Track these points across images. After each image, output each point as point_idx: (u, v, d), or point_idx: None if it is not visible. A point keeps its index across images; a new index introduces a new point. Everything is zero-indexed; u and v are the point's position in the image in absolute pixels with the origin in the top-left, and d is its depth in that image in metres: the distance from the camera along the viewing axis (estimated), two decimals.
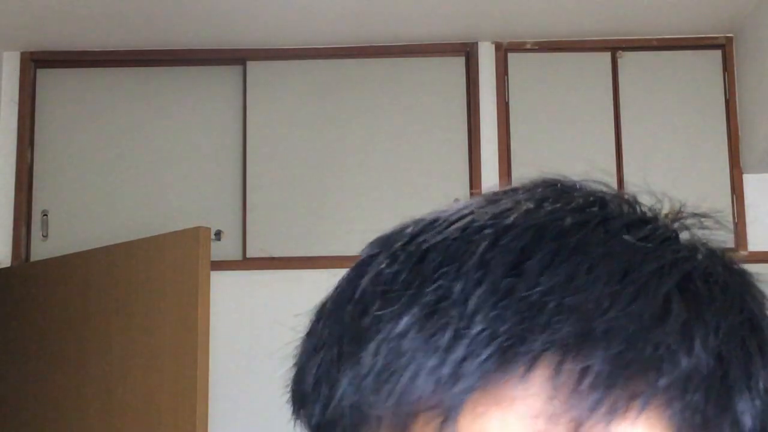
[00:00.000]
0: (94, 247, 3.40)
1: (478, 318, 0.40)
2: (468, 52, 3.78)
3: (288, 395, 0.49)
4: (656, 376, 0.40)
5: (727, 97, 3.73)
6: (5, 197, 3.73)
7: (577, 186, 0.47)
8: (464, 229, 0.44)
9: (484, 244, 0.43)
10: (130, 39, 3.70)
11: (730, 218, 3.64)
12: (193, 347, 3.01)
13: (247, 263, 3.65)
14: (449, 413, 0.40)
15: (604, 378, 0.39)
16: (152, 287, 3.16)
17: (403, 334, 0.41)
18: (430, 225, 0.46)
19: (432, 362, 0.40)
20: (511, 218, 0.44)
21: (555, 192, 0.46)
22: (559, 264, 0.42)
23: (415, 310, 0.42)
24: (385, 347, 0.42)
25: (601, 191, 0.47)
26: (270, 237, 3.67)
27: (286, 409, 0.49)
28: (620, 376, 0.39)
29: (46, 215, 3.73)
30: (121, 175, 3.75)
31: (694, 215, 0.46)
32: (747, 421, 0.41)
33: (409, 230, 0.46)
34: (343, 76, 3.78)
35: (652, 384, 0.40)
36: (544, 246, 0.42)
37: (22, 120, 3.78)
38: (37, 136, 3.80)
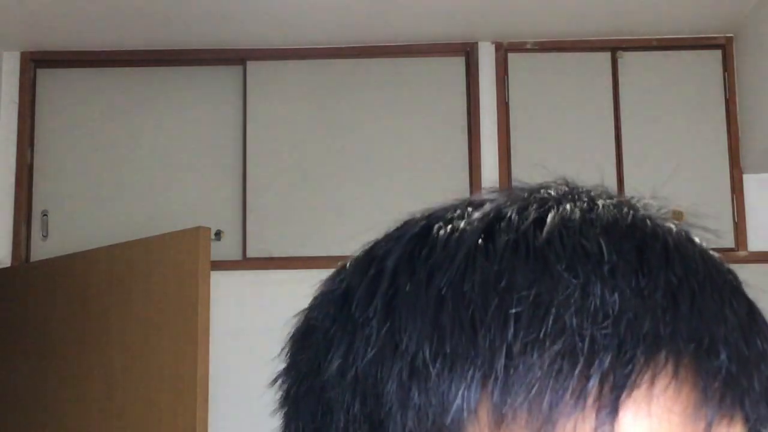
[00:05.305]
0: (94, 247, 3.40)
1: (623, 320, 0.39)
2: (468, 52, 3.78)
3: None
4: (758, 376, 0.41)
5: (727, 97, 3.72)
6: (5, 197, 3.73)
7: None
8: (564, 218, 0.42)
9: (602, 238, 0.41)
10: (130, 39, 3.70)
11: (730, 218, 3.64)
12: (193, 347, 3.01)
13: (247, 263, 3.65)
14: (607, 417, 0.38)
15: (732, 377, 0.40)
16: (152, 287, 3.16)
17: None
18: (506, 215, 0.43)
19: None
20: (578, 214, 0.42)
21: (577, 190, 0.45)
22: (670, 267, 0.41)
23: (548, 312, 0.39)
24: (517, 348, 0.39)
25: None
26: (270, 237, 3.67)
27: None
28: (740, 375, 0.40)
29: (46, 215, 3.73)
30: (121, 175, 3.75)
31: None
32: None
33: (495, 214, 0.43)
34: (343, 76, 3.78)
35: (751, 385, 0.41)
36: (644, 244, 0.41)
37: (22, 120, 3.78)
38: (37, 136, 3.80)
